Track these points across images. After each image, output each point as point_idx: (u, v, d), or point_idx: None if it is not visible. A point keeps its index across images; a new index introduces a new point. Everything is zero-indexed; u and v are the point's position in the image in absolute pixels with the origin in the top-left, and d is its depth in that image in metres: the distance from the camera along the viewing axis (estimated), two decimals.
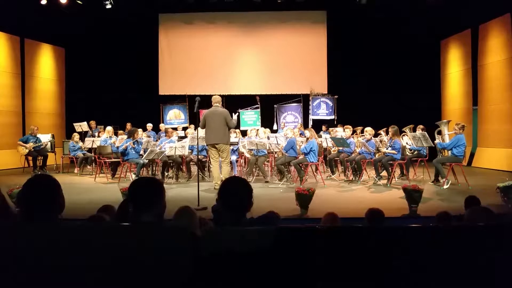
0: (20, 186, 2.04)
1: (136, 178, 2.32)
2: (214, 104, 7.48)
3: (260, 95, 12.69)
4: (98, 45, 13.07)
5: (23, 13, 11.03)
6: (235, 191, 2.19)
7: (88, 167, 10.53)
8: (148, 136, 10.08)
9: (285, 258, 1.89)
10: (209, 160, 8.99)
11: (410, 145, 8.57)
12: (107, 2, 11.44)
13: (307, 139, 8.32)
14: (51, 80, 13.15)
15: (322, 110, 12.75)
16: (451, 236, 2.00)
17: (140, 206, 2.12)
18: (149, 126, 11.72)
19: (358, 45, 12.87)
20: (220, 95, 7.87)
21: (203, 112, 7.76)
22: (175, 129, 11.80)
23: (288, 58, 13.57)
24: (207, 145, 7.59)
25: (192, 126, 11.07)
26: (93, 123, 11.60)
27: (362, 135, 9.18)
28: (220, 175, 7.51)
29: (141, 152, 8.70)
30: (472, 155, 11.29)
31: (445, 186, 7.29)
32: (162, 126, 12.14)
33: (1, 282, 1.80)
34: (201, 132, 8.04)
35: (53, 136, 11.01)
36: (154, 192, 2.18)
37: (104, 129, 10.38)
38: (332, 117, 12.58)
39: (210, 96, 7.70)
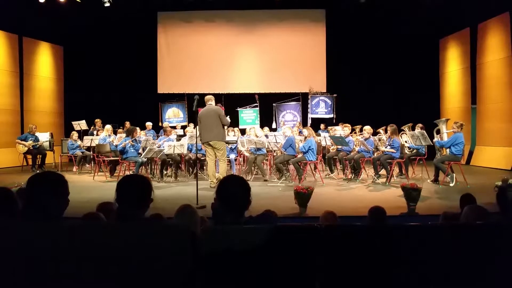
0: (18, 184, 2.01)
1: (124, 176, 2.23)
2: (207, 103, 7.57)
3: (259, 94, 12.67)
4: (96, 43, 13.04)
5: (21, 11, 11.00)
6: (233, 189, 2.19)
7: (87, 165, 10.53)
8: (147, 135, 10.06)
9: (284, 257, 1.89)
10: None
11: (409, 144, 8.58)
12: (106, 0, 11.41)
13: (305, 137, 8.32)
14: (50, 78, 13.12)
15: (321, 108, 12.74)
16: (451, 235, 2.01)
17: (129, 204, 2.10)
18: (149, 125, 11.65)
19: (357, 43, 12.88)
20: (219, 94, 7.89)
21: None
22: (174, 127, 11.77)
23: (287, 56, 13.56)
24: (202, 144, 7.59)
25: (191, 124, 11.04)
26: (98, 121, 11.48)
27: (361, 134, 9.19)
28: (217, 173, 7.51)
29: (140, 151, 8.69)
30: (470, 154, 11.31)
31: (452, 184, 7.32)
32: (165, 124, 12.00)
33: (1, 281, 1.80)
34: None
35: (51, 135, 11.00)
36: (144, 189, 2.15)
37: (103, 127, 10.37)
38: (331, 115, 12.58)
39: (208, 95, 7.71)
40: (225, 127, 7.90)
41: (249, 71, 13.73)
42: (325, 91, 13.07)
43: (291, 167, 8.60)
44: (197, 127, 7.40)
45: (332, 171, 9.22)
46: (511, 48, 9.94)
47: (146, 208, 2.16)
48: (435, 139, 8.08)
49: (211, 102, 7.57)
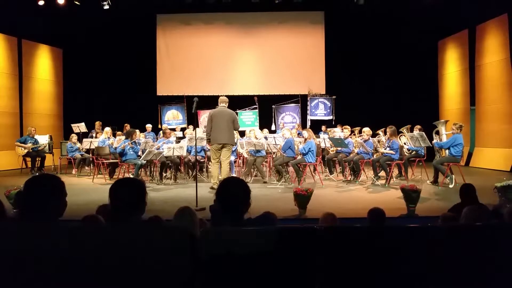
0: (17, 187, 2.01)
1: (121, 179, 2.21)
2: (220, 104, 7.49)
3: (258, 96, 12.69)
4: (95, 45, 13.05)
5: (20, 13, 11.01)
6: (233, 191, 2.19)
7: (86, 168, 10.51)
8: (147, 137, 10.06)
9: (283, 258, 1.89)
10: (207, 160, 8.99)
11: (408, 145, 8.59)
12: (105, 2, 11.42)
13: (305, 139, 8.33)
14: (49, 81, 13.12)
15: (320, 110, 12.75)
16: (450, 236, 2.01)
17: (123, 208, 2.08)
18: (149, 127, 11.66)
19: (356, 45, 12.91)
20: (218, 96, 7.86)
21: (208, 112, 7.69)
22: (173, 129, 11.77)
23: (286, 58, 13.59)
24: (211, 145, 7.50)
25: (191, 126, 11.03)
26: (98, 124, 11.45)
27: (360, 135, 9.20)
28: (219, 175, 7.49)
29: (139, 153, 8.68)
30: (470, 155, 11.32)
31: (451, 185, 7.31)
32: (165, 126, 12.00)
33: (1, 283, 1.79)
34: (199, 133, 8.02)
35: (51, 137, 10.98)
36: (137, 193, 2.13)
37: (102, 130, 10.37)
38: (330, 117, 12.58)
39: (208, 97, 7.72)
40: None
41: (248, 73, 13.75)
42: (324, 92, 13.09)
43: (291, 169, 8.60)
44: (206, 125, 7.30)
45: (331, 173, 9.22)
46: (510, 50, 9.97)
47: (141, 212, 2.14)
48: (434, 141, 8.09)
49: (224, 104, 7.50)
